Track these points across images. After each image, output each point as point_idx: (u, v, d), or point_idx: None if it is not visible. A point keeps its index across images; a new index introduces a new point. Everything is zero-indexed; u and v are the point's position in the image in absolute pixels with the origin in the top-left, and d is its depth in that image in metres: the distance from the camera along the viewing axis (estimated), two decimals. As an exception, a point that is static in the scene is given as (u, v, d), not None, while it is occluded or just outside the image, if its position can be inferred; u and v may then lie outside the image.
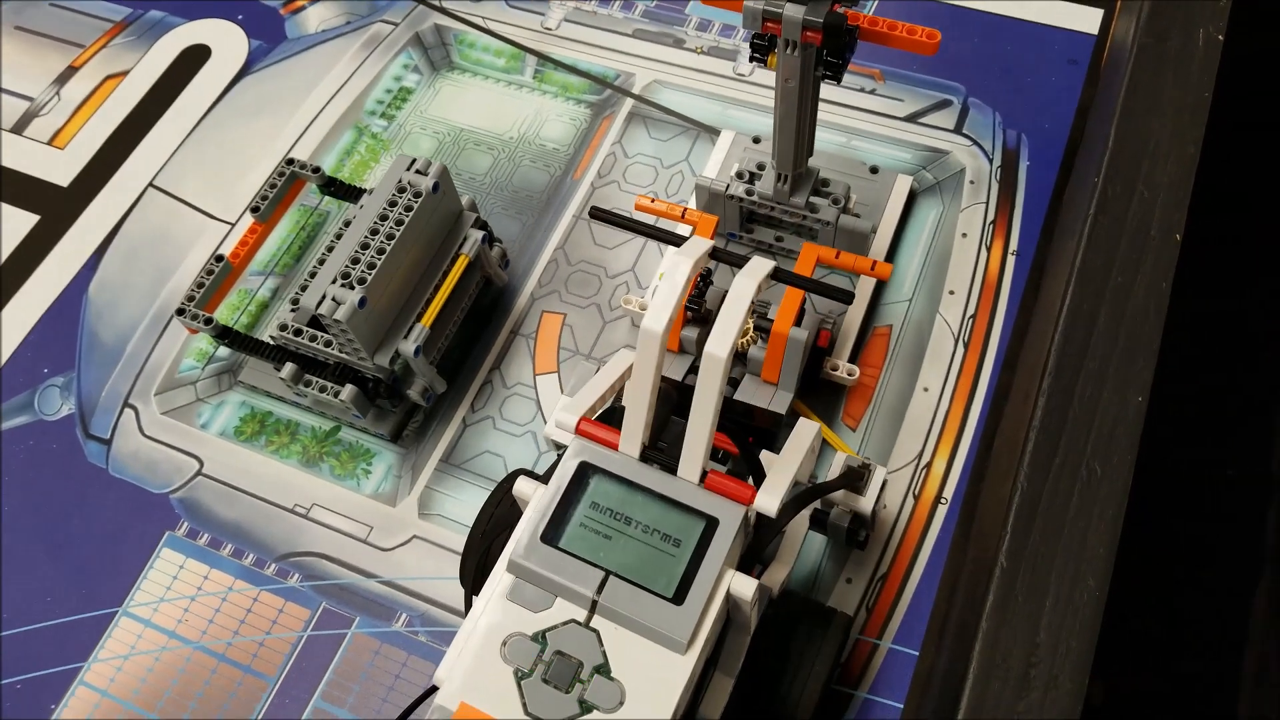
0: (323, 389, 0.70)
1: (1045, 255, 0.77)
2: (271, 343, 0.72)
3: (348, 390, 0.69)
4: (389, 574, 0.69)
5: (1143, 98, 0.68)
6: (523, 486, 0.52)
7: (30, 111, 0.93)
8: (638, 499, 0.50)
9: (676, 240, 0.52)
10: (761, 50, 0.62)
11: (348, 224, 0.69)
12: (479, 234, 0.72)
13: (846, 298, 0.52)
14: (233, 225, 0.85)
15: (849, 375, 0.72)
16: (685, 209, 0.72)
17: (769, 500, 0.50)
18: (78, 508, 0.74)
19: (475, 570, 0.55)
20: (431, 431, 0.74)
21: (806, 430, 0.56)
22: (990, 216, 0.79)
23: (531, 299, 0.80)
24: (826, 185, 0.74)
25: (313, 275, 0.70)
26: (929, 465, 0.70)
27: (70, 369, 0.80)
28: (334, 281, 0.64)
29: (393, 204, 0.67)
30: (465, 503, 0.71)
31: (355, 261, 0.65)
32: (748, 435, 0.67)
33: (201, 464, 0.75)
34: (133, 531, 0.72)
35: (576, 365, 0.76)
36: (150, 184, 0.88)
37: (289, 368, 0.70)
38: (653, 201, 0.72)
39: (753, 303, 0.48)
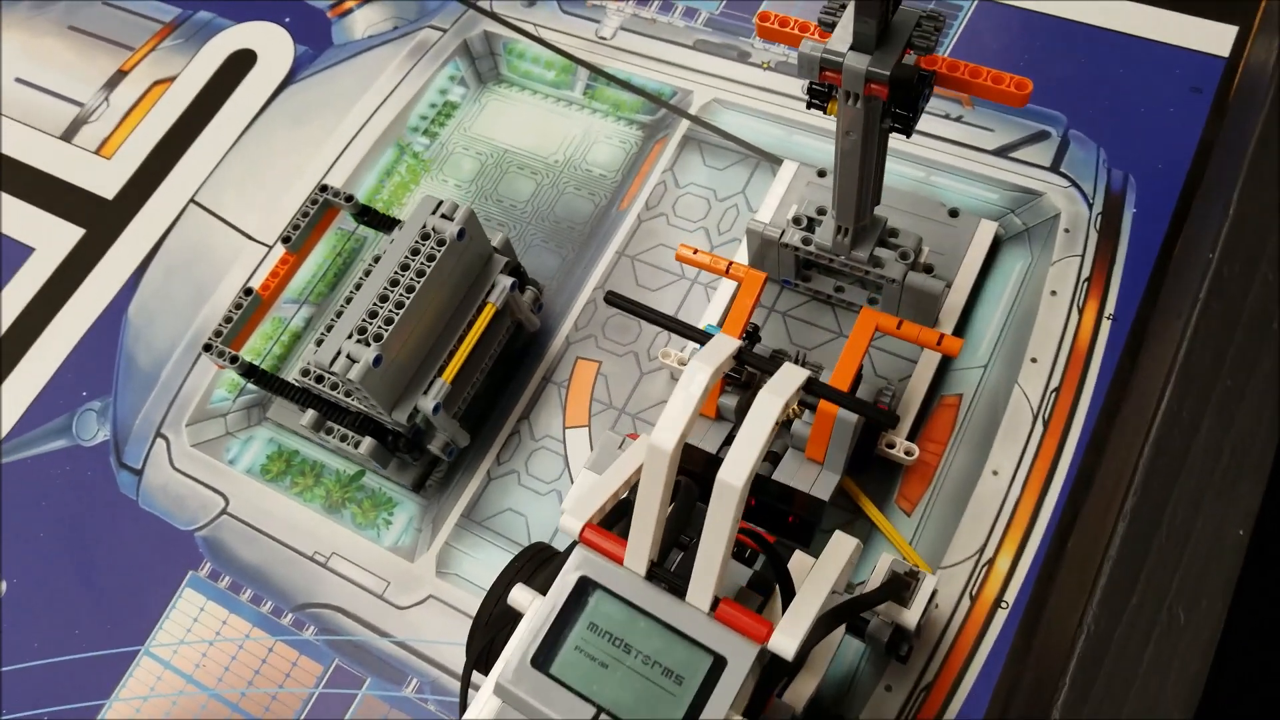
0: (343, 438, 0.67)
1: (1147, 323, 0.67)
2: (296, 384, 0.69)
3: (366, 444, 0.65)
4: (403, 634, 0.66)
5: None
6: (518, 596, 0.47)
7: (80, 118, 0.91)
8: (640, 624, 0.45)
9: (699, 337, 0.46)
10: (820, 97, 0.54)
11: (377, 259, 0.65)
12: (508, 280, 0.67)
13: (890, 420, 0.45)
14: (270, 248, 0.82)
15: (907, 455, 0.64)
16: (731, 263, 0.65)
17: (787, 641, 0.44)
18: (108, 538, 0.73)
19: (478, 656, 0.51)
20: (455, 483, 0.71)
21: (842, 547, 0.49)
22: (1085, 273, 0.70)
23: (566, 343, 0.74)
24: (895, 236, 0.66)
25: (334, 322, 0.66)
26: (991, 562, 0.62)
27: (107, 393, 0.78)
28: (350, 337, 0.61)
29: (415, 252, 0.63)
30: (483, 563, 0.67)
31: (373, 315, 0.61)
32: (785, 516, 0.61)
33: (227, 502, 0.73)
34: (158, 568, 0.71)
35: (608, 420, 0.71)
36: (192, 199, 0.86)
37: (309, 415, 0.67)
38: (695, 253, 0.66)
39: (776, 423, 0.41)
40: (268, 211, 0.84)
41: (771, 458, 0.64)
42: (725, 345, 0.43)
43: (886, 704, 0.59)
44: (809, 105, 0.55)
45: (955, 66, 0.53)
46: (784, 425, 0.65)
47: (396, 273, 0.62)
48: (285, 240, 0.74)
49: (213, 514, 0.72)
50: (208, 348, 0.70)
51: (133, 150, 0.89)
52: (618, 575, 0.46)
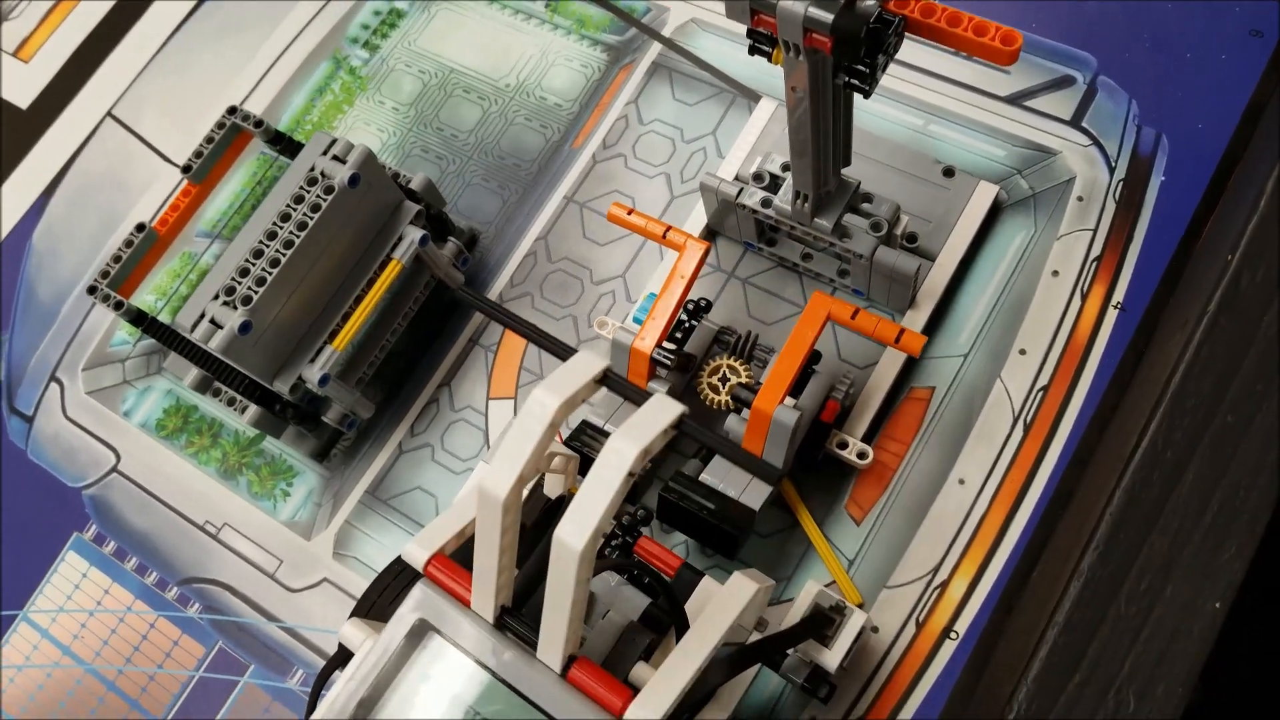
0: (231, 401, 0.60)
1: (1160, 318, 0.57)
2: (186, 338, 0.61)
3: (251, 412, 0.58)
4: (292, 619, 0.60)
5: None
6: (349, 633, 0.41)
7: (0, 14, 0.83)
8: (480, 681, 0.38)
9: (561, 352, 0.38)
10: (764, 41, 0.44)
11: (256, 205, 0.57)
12: (418, 233, 0.58)
13: (771, 476, 0.37)
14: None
15: (860, 458, 0.56)
16: (669, 228, 0.56)
17: (645, 715, 0.37)
18: (-4, 488, 0.68)
19: (316, 695, 0.45)
20: (362, 454, 0.64)
21: (740, 592, 0.42)
22: (1096, 251, 0.60)
23: (500, 300, 0.66)
24: (868, 202, 0.56)
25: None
26: (945, 585, 0.55)
27: (3, 327, 0.72)
28: (215, 298, 0.53)
29: (299, 200, 0.54)
30: (385, 547, 0.61)
31: (244, 273, 0.53)
32: (712, 525, 0.53)
33: (119, 458, 0.67)
34: (43, 526, 0.66)
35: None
36: (109, 113, 0.78)
37: (193, 374, 0.60)
38: (629, 214, 0.56)
39: (632, 474, 0.33)
40: (188, 132, 0.76)
41: (704, 455, 0.56)
42: (583, 369, 0.35)
43: (808, 742, 0.53)
44: (751, 50, 0.45)
45: (931, 10, 0.42)
46: (719, 417, 0.56)
47: (275, 224, 0.54)
48: (186, 170, 0.65)
49: (103, 471, 0.66)
50: (92, 290, 0.63)
51: (52, 53, 0.81)
52: (461, 622, 0.38)
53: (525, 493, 0.47)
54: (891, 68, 0.66)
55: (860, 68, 0.41)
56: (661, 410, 0.34)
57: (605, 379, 0.36)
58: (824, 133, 0.47)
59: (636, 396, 0.36)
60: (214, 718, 0.59)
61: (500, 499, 0.34)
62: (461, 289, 0.42)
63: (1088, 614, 0.39)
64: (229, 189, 0.73)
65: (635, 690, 0.39)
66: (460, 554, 0.40)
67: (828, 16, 0.39)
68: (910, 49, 0.67)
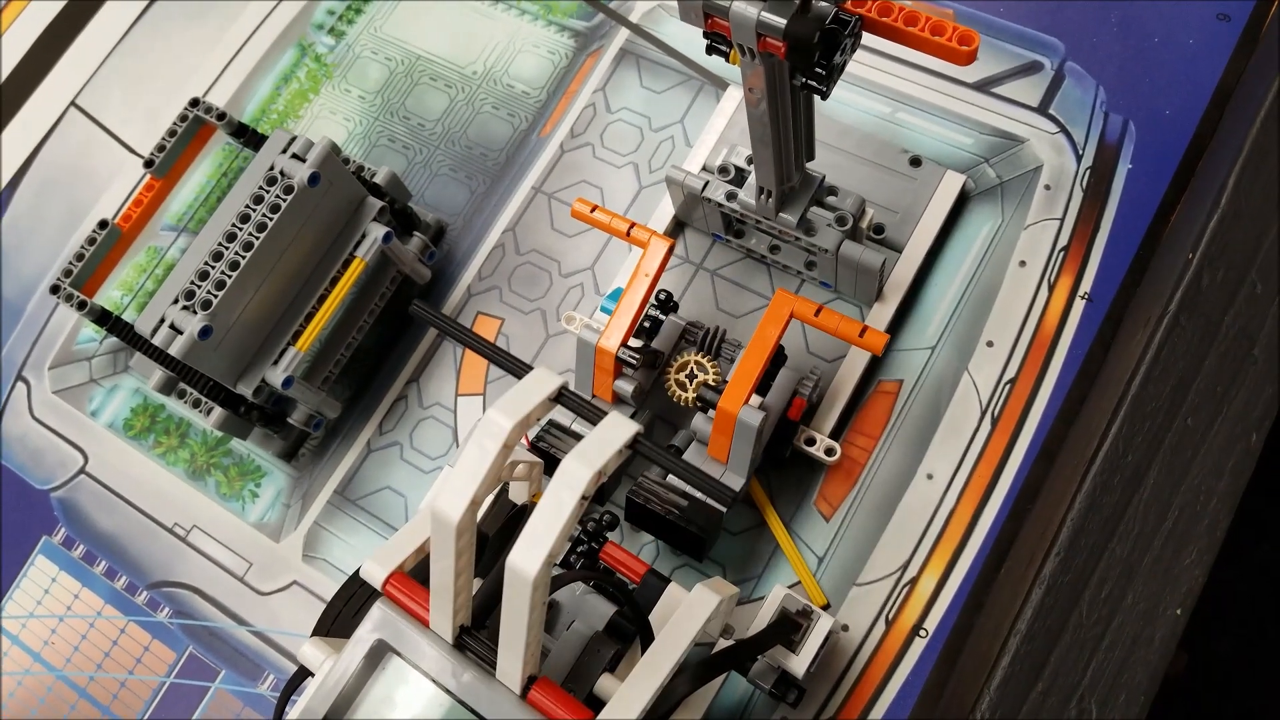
0: (196, 403, 0.60)
1: (1127, 308, 0.57)
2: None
3: (215, 415, 0.58)
4: (262, 623, 0.60)
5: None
6: (309, 653, 0.41)
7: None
8: (440, 703, 0.38)
9: (517, 370, 0.37)
10: (721, 41, 0.43)
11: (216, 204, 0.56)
12: (381, 230, 0.57)
13: (723, 498, 0.37)
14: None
15: (828, 455, 0.56)
16: (633, 225, 0.55)
17: (608, 734, 0.37)
18: (-34, 489, 0.67)
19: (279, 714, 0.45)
20: (331, 453, 0.63)
21: (701, 605, 0.42)
22: (1063, 241, 0.60)
23: (468, 294, 0.66)
24: (834, 195, 0.56)
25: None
26: (914, 582, 0.55)
27: (-31, 325, 0.71)
28: (175, 302, 0.52)
29: (258, 200, 0.54)
30: (354, 548, 0.61)
31: (203, 277, 0.53)
32: (679, 528, 0.53)
33: (86, 460, 0.66)
34: (11, 531, 0.65)
35: (504, 389, 0.63)
36: (73, 103, 0.76)
37: (158, 376, 0.59)
38: (593, 210, 0.56)
39: (585, 497, 0.33)
40: (155, 121, 0.75)
41: (674, 451, 0.56)
42: (538, 388, 0.34)
43: (777, 739, 0.53)
44: (709, 50, 0.44)
45: (888, 9, 0.41)
46: (687, 412, 0.56)
47: (234, 225, 0.53)
48: (149, 164, 0.64)
49: (70, 472, 0.66)
50: (55, 289, 0.62)
51: (14, 43, 0.79)
52: (419, 642, 0.38)
53: (489, 501, 0.47)
54: (859, 54, 0.66)
55: (817, 69, 0.41)
56: (616, 430, 0.34)
57: (560, 397, 0.35)
58: (784, 131, 0.47)
59: (592, 415, 0.35)
60: (188, 720, 0.59)
61: (453, 524, 0.34)
62: (417, 305, 0.41)
63: (1049, 622, 0.40)
64: (194, 181, 0.72)
65: (600, 704, 0.39)
66: (420, 570, 0.40)
67: (781, 22, 0.38)
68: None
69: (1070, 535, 0.41)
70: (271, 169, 0.54)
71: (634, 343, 0.56)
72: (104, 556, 0.63)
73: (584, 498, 0.32)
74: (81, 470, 0.66)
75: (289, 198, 0.53)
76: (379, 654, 0.39)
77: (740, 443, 0.53)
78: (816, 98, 0.46)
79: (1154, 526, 0.40)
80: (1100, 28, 0.63)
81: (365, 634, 0.39)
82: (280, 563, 0.61)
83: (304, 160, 0.54)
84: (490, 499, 0.47)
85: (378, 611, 0.39)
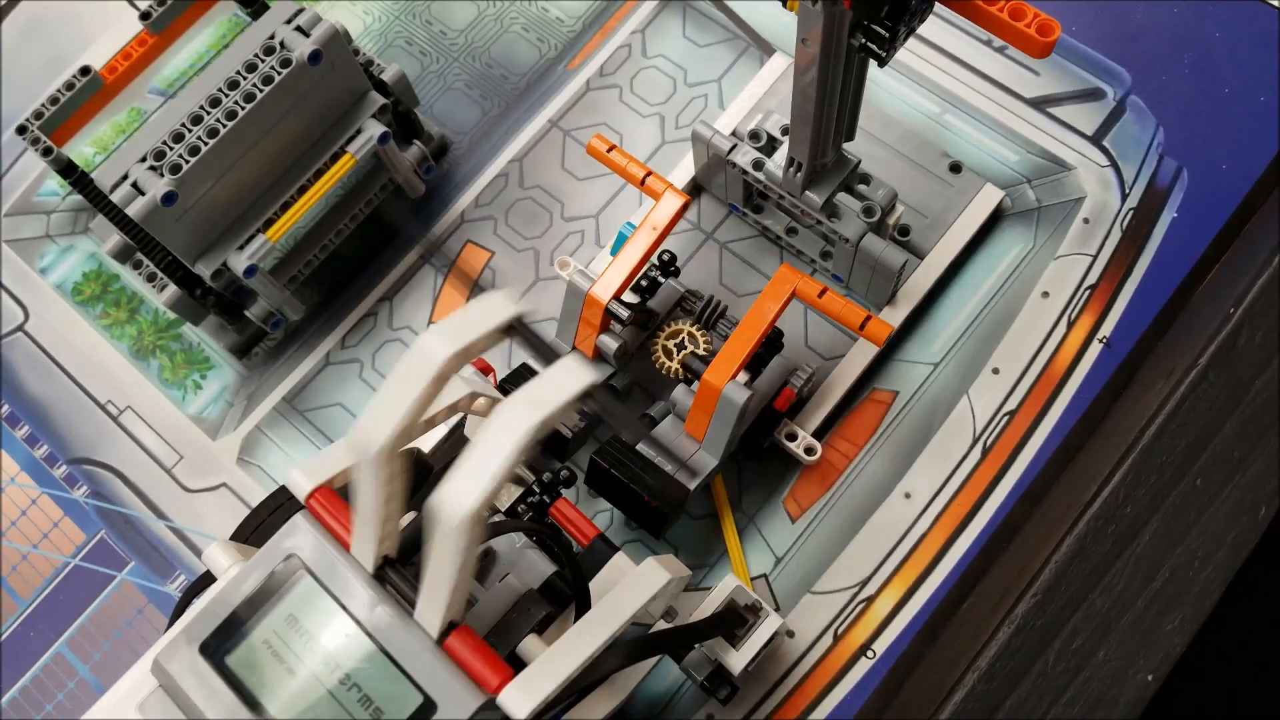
0: (151, 277, 0.56)
1: (1144, 360, 0.54)
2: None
3: (168, 293, 0.54)
4: (182, 520, 0.57)
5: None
6: (215, 556, 0.37)
7: None
8: (347, 633, 0.35)
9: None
10: (782, -16, 0.40)
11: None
12: (378, 129, 0.53)
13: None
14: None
15: (808, 454, 0.53)
16: (649, 173, 0.52)
17: (520, 701, 0.33)
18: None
19: (175, 617, 0.41)
20: (286, 358, 0.59)
21: (649, 579, 0.38)
22: (1093, 279, 0.56)
23: (461, 219, 0.62)
24: (865, 183, 0.52)
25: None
26: (871, 600, 0.52)
27: (-72, 154, 0.67)
28: (142, 160, 0.48)
29: (251, 68, 0.49)
30: (293, 460, 0.57)
31: (178, 139, 0.48)
32: (642, 501, 0.50)
33: (26, 317, 0.62)
34: (-66, 374, 0.61)
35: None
36: (78, -62, 0.71)
37: (115, 240, 0.55)
38: (610, 150, 0.52)
39: (530, 441, 0.29)
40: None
41: (648, 421, 0.53)
42: (487, 314, 0.30)
43: (700, 738, 0.50)
44: (768, -10, 0.40)
45: (968, -19, 0.38)
46: (669, 382, 0.53)
47: (220, 90, 0.49)
48: (145, 17, 0.60)
49: (8, 328, 0.62)
50: (22, 130, 0.57)
51: None
52: (336, 565, 0.35)
53: (440, 432, 0.44)
54: (917, 46, 0.62)
55: (879, 29, 0.37)
56: (570, 376, 0.30)
57: (512, 329, 0.31)
58: (831, 98, 0.43)
59: (547, 354, 0.32)
60: (83, 610, 0.56)
61: (372, 452, 0.30)
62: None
63: (1013, 664, 0.36)
64: (192, 47, 0.68)
65: (521, 665, 0.36)
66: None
67: (855, -36, 0.35)
68: (939, 30, 0.62)
69: (1051, 578, 0.38)
70: (271, 38, 0.50)
71: (628, 298, 0.52)
72: (28, 421, 0.59)
73: (531, 441, 0.29)
74: (20, 328, 0.62)
75: (284, 71, 0.49)
76: (290, 571, 0.35)
77: (719, 422, 0.49)
78: (871, 68, 0.42)
79: (1141, 585, 0.37)
80: (1173, 67, 0.60)
81: (278, 546, 0.35)
82: (213, 462, 0.57)
83: (308, 35, 0.50)
84: (444, 430, 0.44)
85: (300, 523, 0.36)
